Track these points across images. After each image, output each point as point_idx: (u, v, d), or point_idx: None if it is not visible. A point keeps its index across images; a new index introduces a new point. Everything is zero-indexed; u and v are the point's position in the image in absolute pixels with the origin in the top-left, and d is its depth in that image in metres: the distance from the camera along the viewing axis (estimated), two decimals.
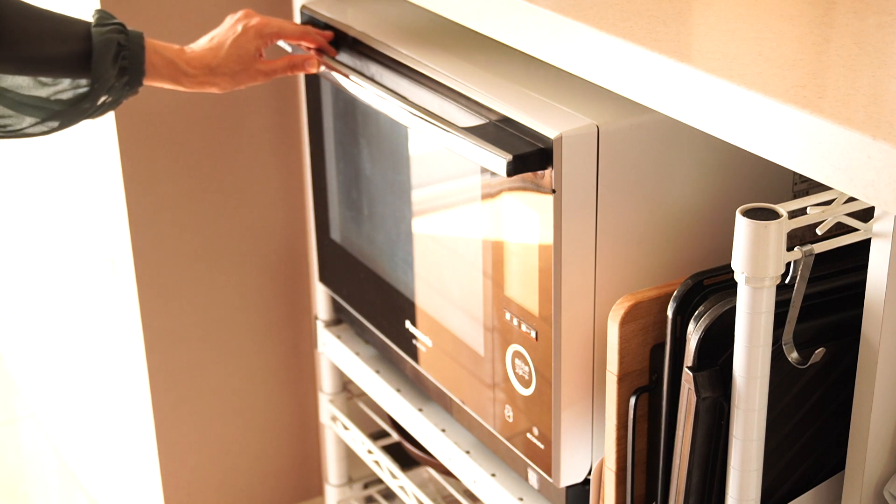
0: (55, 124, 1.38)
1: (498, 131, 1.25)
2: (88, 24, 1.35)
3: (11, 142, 1.32)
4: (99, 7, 1.62)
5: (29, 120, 1.37)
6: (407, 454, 1.78)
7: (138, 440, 1.95)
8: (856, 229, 1.01)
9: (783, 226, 0.96)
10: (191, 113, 1.74)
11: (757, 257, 0.96)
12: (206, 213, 1.81)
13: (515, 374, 1.33)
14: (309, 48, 1.52)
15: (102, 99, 1.37)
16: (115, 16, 1.38)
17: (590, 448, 1.31)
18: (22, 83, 1.36)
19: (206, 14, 1.71)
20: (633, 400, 1.16)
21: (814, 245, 1.00)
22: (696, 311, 1.08)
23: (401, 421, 1.64)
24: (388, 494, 1.96)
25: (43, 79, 1.36)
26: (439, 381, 1.49)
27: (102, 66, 1.34)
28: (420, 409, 1.60)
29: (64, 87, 1.36)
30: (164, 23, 1.68)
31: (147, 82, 1.40)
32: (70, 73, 1.35)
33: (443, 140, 1.28)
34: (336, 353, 1.78)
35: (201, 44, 1.45)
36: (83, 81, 1.36)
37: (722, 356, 1.07)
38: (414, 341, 1.53)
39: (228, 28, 1.45)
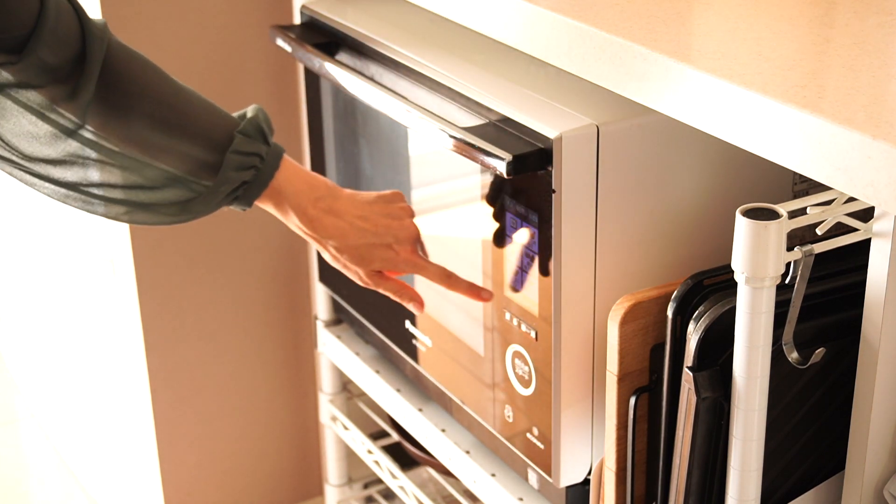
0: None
1: (498, 131, 1.25)
2: (235, 125, 1.18)
3: None
4: (100, 8, 1.63)
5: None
6: (407, 454, 1.78)
7: (138, 440, 1.95)
8: (856, 229, 1.01)
9: (783, 226, 0.96)
10: None
11: (757, 257, 0.96)
12: None
13: (515, 374, 1.33)
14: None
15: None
16: (265, 131, 1.20)
17: (590, 448, 1.31)
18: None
19: (206, 14, 1.70)
20: (633, 400, 1.16)
21: (814, 245, 1.00)
22: (696, 312, 1.08)
23: (401, 421, 1.64)
24: (388, 494, 1.96)
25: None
26: (439, 381, 1.49)
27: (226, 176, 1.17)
28: (420, 409, 1.60)
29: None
30: (164, 23, 1.68)
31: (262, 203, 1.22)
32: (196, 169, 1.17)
33: (443, 140, 1.28)
34: (336, 353, 1.78)
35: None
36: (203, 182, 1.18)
37: (722, 356, 1.07)
38: (414, 341, 1.52)
39: (387, 216, 1.28)
